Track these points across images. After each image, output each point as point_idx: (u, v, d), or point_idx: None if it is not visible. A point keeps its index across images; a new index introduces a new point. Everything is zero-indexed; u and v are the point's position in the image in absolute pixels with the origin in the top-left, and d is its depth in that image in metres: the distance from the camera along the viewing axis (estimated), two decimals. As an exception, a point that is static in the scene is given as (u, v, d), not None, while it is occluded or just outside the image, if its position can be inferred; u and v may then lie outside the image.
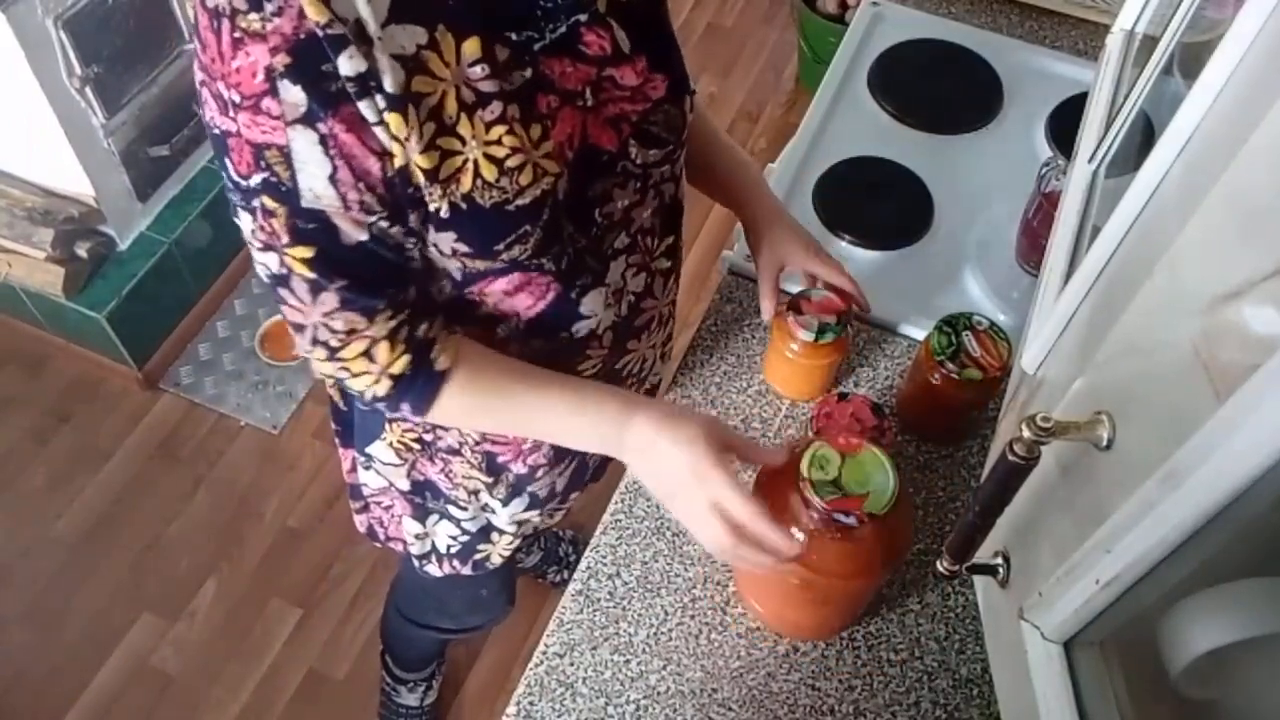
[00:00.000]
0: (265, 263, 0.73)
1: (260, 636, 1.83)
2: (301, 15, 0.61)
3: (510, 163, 0.71)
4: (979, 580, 0.90)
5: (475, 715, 1.78)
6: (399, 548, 1.14)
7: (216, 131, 0.68)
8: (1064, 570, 0.58)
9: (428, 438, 0.98)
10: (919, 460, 1.06)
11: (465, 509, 1.05)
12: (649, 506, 1.02)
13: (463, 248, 0.74)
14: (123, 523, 1.95)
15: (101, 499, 1.97)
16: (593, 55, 0.75)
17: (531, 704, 0.91)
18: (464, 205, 0.71)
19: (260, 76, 0.63)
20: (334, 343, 0.76)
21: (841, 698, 0.91)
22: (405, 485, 1.05)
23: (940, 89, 1.38)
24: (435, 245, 0.74)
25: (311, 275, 0.72)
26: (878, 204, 1.25)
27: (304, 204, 0.68)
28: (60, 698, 1.76)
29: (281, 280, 0.73)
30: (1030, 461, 0.56)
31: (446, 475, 1.02)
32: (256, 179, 0.68)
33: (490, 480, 1.01)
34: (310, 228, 0.69)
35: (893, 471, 0.80)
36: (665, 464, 0.79)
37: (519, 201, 0.73)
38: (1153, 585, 0.53)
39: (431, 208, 0.71)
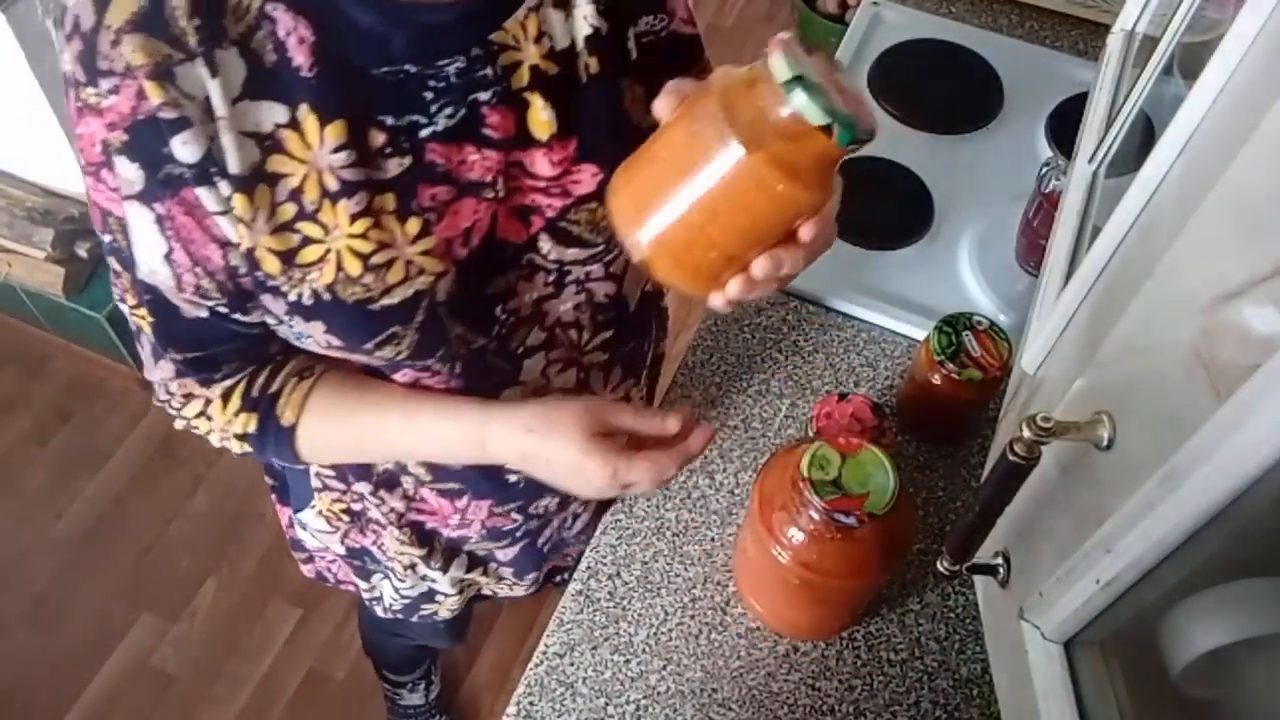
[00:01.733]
0: (123, 310, 0.72)
1: (260, 636, 1.83)
2: (141, 95, 0.58)
3: (376, 259, 0.65)
4: (979, 580, 0.90)
5: (475, 715, 1.78)
6: (350, 589, 1.14)
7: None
8: (1064, 570, 0.58)
9: (356, 508, 0.96)
10: (919, 460, 1.06)
11: (404, 580, 1.04)
12: (649, 506, 1.02)
13: (334, 340, 0.69)
14: (123, 523, 1.95)
15: (101, 499, 1.97)
16: (498, 139, 0.66)
17: (531, 704, 0.91)
18: (327, 296, 0.65)
19: (98, 148, 0.61)
20: (175, 403, 0.77)
21: (841, 698, 0.91)
22: (341, 550, 1.04)
23: (940, 89, 1.38)
24: (310, 335, 0.69)
25: (154, 339, 0.71)
26: (878, 204, 1.25)
27: (140, 276, 0.66)
28: (60, 698, 1.76)
29: (135, 335, 0.73)
30: (1030, 461, 0.56)
31: (379, 548, 1.00)
32: (106, 239, 0.67)
33: (424, 552, 0.99)
34: (149, 298, 0.68)
35: (893, 471, 0.80)
36: (547, 470, 0.74)
37: (385, 301, 0.66)
38: (1153, 585, 0.53)
39: (291, 296, 0.66)
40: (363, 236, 0.64)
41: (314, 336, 0.69)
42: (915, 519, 0.98)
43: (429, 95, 0.64)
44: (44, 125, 1.74)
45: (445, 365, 0.76)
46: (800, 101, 0.49)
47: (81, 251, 1.91)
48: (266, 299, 0.68)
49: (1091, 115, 0.93)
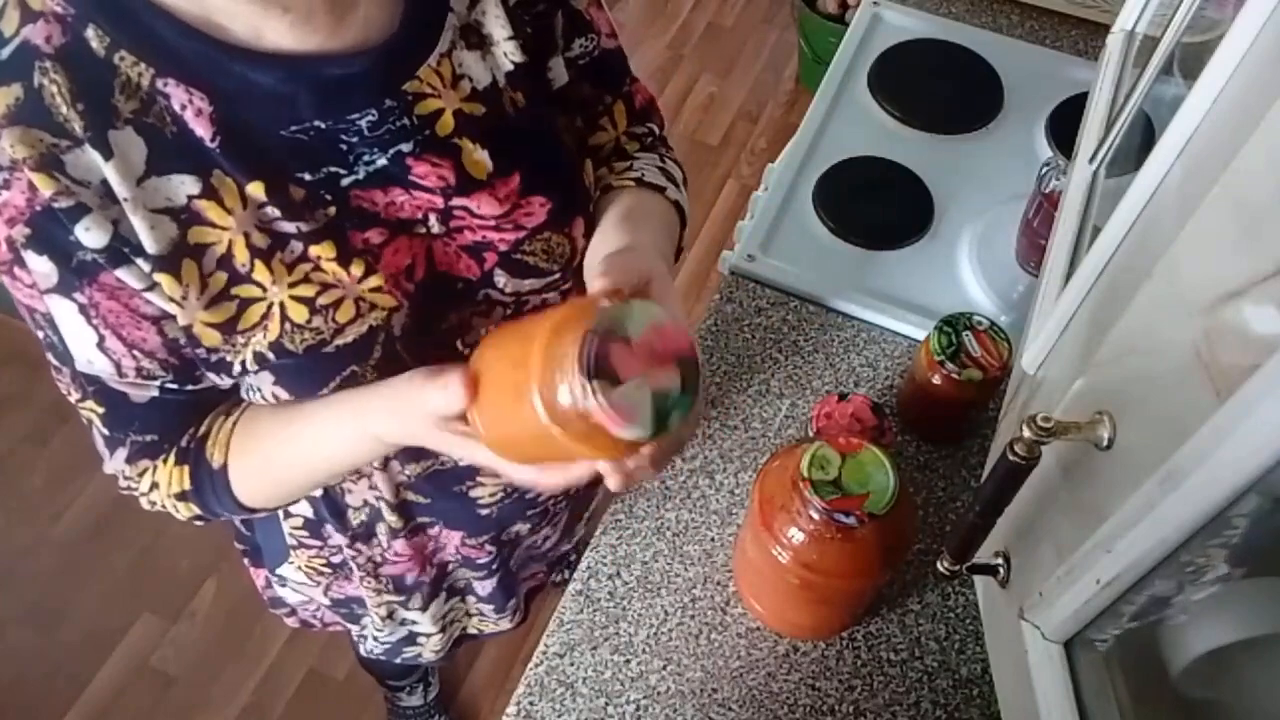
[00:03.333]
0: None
1: (260, 636, 1.83)
2: (32, 187, 0.55)
3: (323, 300, 0.63)
4: (979, 580, 0.90)
5: (475, 715, 1.78)
6: (339, 629, 1.13)
7: None
8: (1064, 570, 0.58)
9: (336, 559, 0.95)
10: (919, 460, 1.06)
11: (383, 629, 1.03)
12: (649, 506, 1.02)
13: (282, 393, 0.68)
14: (123, 523, 1.95)
15: (101, 499, 1.97)
16: (430, 187, 0.65)
17: (531, 704, 0.91)
18: (271, 355, 0.64)
19: (4, 246, 0.58)
20: (135, 484, 0.74)
21: (841, 698, 0.91)
22: (327, 601, 1.03)
23: (940, 89, 1.38)
24: (258, 389, 0.68)
25: (105, 431, 0.70)
26: (878, 204, 1.25)
27: (79, 369, 0.64)
28: (60, 698, 1.76)
29: (87, 428, 0.71)
30: (1030, 461, 0.56)
31: (362, 594, 0.99)
32: (40, 335, 0.65)
33: (402, 598, 0.99)
34: (93, 389, 0.66)
35: (893, 471, 0.80)
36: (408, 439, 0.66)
37: (339, 341, 0.65)
38: (1153, 585, 0.53)
39: (236, 365, 0.64)
40: (305, 281, 0.63)
41: (262, 389, 0.68)
42: (915, 519, 0.98)
43: (344, 148, 0.62)
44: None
45: None
46: (580, 394, 0.49)
47: (81, 251, 1.91)
48: (211, 376, 0.67)
49: (1091, 115, 0.93)
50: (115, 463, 0.73)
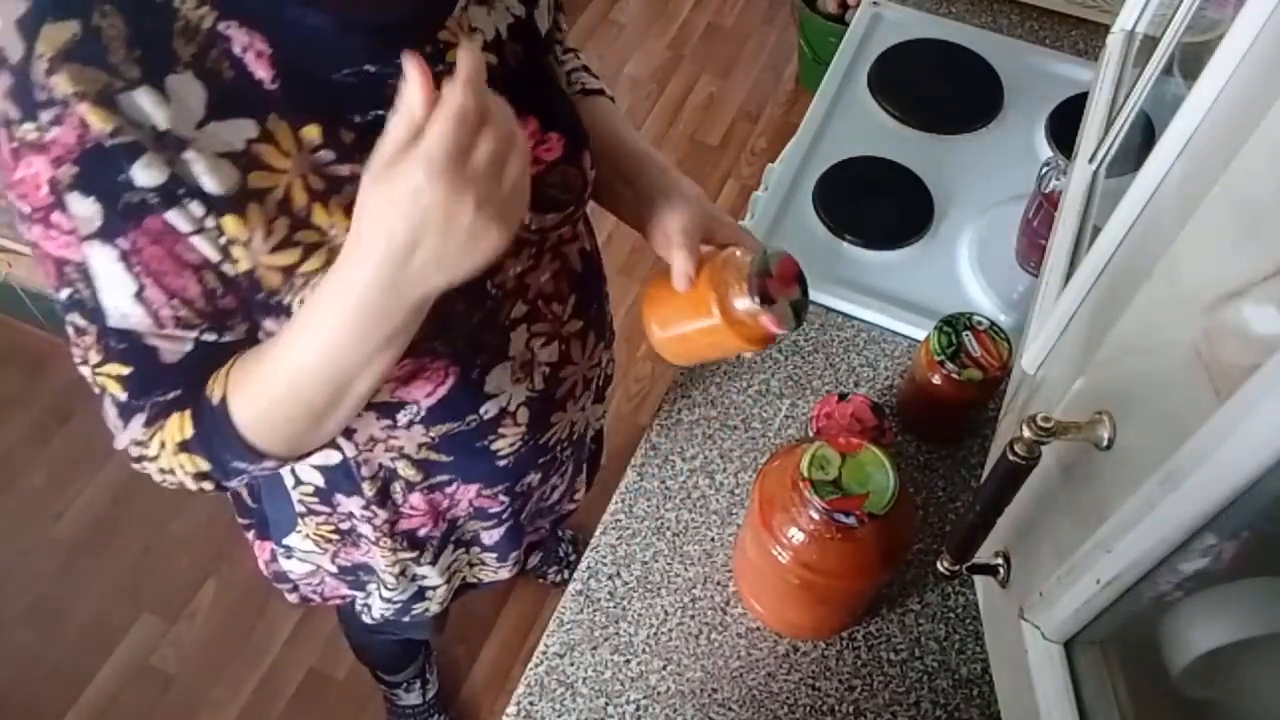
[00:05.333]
0: (84, 375, 0.68)
1: (260, 636, 1.83)
2: (85, 123, 0.55)
3: None
4: (979, 580, 0.90)
5: (475, 715, 1.78)
6: (339, 602, 1.13)
7: (27, 240, 0.62)
8: (1064, 570, 0.58)
9: (345, 526, 0.95)
10: (919, 460, 1.06)
11: (395, 587, 1.03)
12: (649, 506, 1.02)
13: None
14: (123, 523, 1.95)
15: (101, 499, 1.97)
16: None
17: (531, 704, 0.91)
18: None
19: (45, 189, 0.57)
20: (149, 451, 0.70)
21: (841, 698, 0.91)
22: (333, 569, 1.03)
23: (940, 89, 1.38)
24: None
25: (123, 396, 0.67)
26: (878, 204, 1.25)
27: (110, 324, 0.62)
28: (60, 698, 1.76)
29: (99, 399, 0.69)
30: (1030, 461, 0.56)
31: (372, 557, 1.00)
32: (64, 294, 0.63)
33: (415, 554, 0.99)
34: (123, 347, 0.64)
35: (893, 471, 0.80)
36: (394, 238, 0.56)
37: None
38: (1153, 585, 0.53)
39: (294, 304, 0.65)
40: None
41: None
42: (915, 519, 0.98)
43: (390, 92, 0.60)
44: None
45: (447, 346, 0.76)
46: (755, 310, 0.73)
47: (81, 251, 1.91)
48: (269, 323, 0.67)
49: (1091, 115, 0.93)
50: (130, 432, 0.70)
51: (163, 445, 0.70)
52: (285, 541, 0.99)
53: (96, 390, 0.69)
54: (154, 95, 0.56)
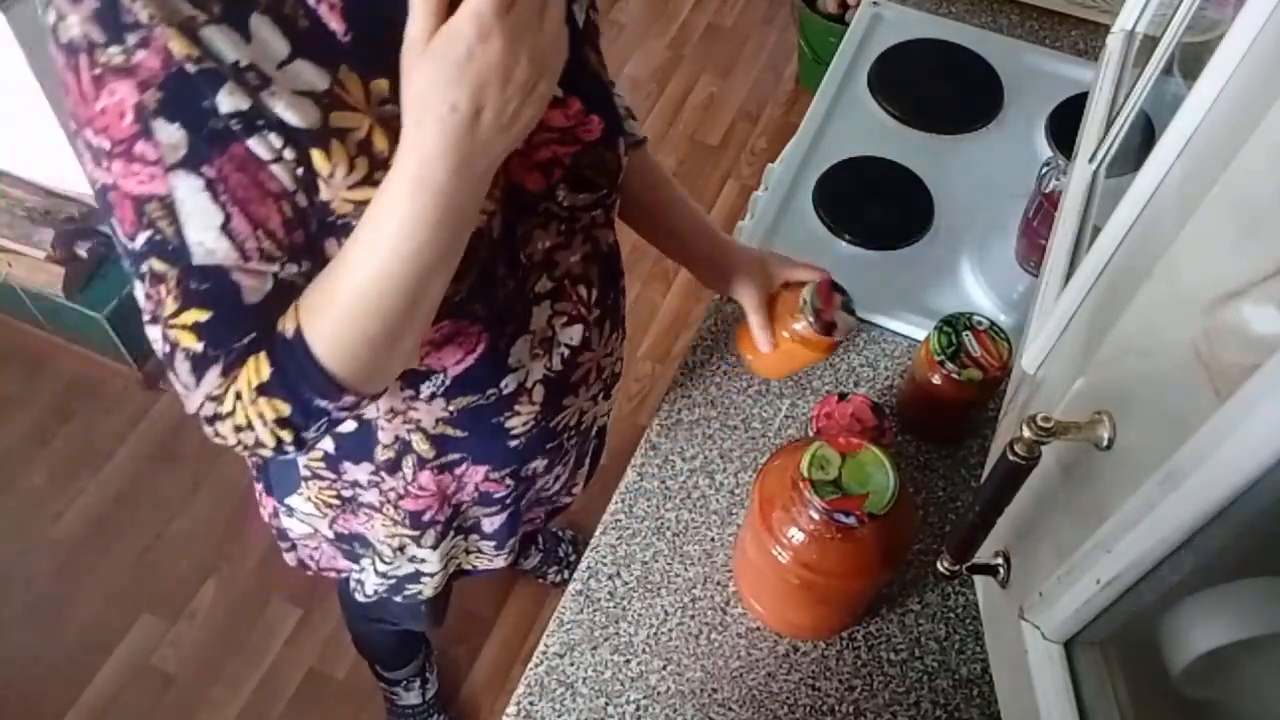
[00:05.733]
0: (152, 339, 0.66)
1: (260, 636, 1.83)
2: (169, 50, 0.55)
3: None
4: (979, 580, 0.90)
5: (475, 715, 1.78)
6: (333, 575, 1.14)
7: (98, 188, 0.62)
8: (1064, 570, 0.58)
9: (347, 494, 0.96)
10: (919, 460, 1.06)
11: (392, 562, 1.04)
12: (649, 506, 1.02)
13: None
14: (123, 523, 1.95)
15: (101, 499, 1.97)
16: None
17: (531, 704, 0.91)
18: None
19: (130, 117, 0.57)
20: (223, 409, 0.67)
21: (841, 698, 0.91)
22: (330, 534, 1.04)
23: (940, 89, 1.38)
24: None
25: (198, 347, 0.65)
26: (878, 204, 1.25)
27: (196, 261, 0.61)
28: (60, 698, 1.75)
29: (167, 359, 0.66)
30: (1030, 461, 0.56)
31: (370, 528, 1.00)
32: (141, 239, 0.61)
33: (416, 534, 0.99)
34: (204, 288, 0.63)
35: (893, 471, 0.80)
36: (460, 113, 0.57)
37: None
38: (1153, 585, 0.53)
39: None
40: None
41: None
42: (915, 519, 0.98)
43: None
44: (44, 125, 1.74)
45: (485, 309, 0.77)
46: (819, 333, 0.96)
47: (81, 251, 1.91)
48: (330, 245, 0.66)
49: (1091, 115, 0.93)
50: (205, 388, 0.66)
51: (238, 397, 0.67)
52: (287, 501, 1.00)
53: (165, 349, 0.66)
54: (235, 34, 0.57)
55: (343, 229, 0.65)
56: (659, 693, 0.91)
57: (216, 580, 1.89)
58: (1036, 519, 0.66)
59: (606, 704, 0.91)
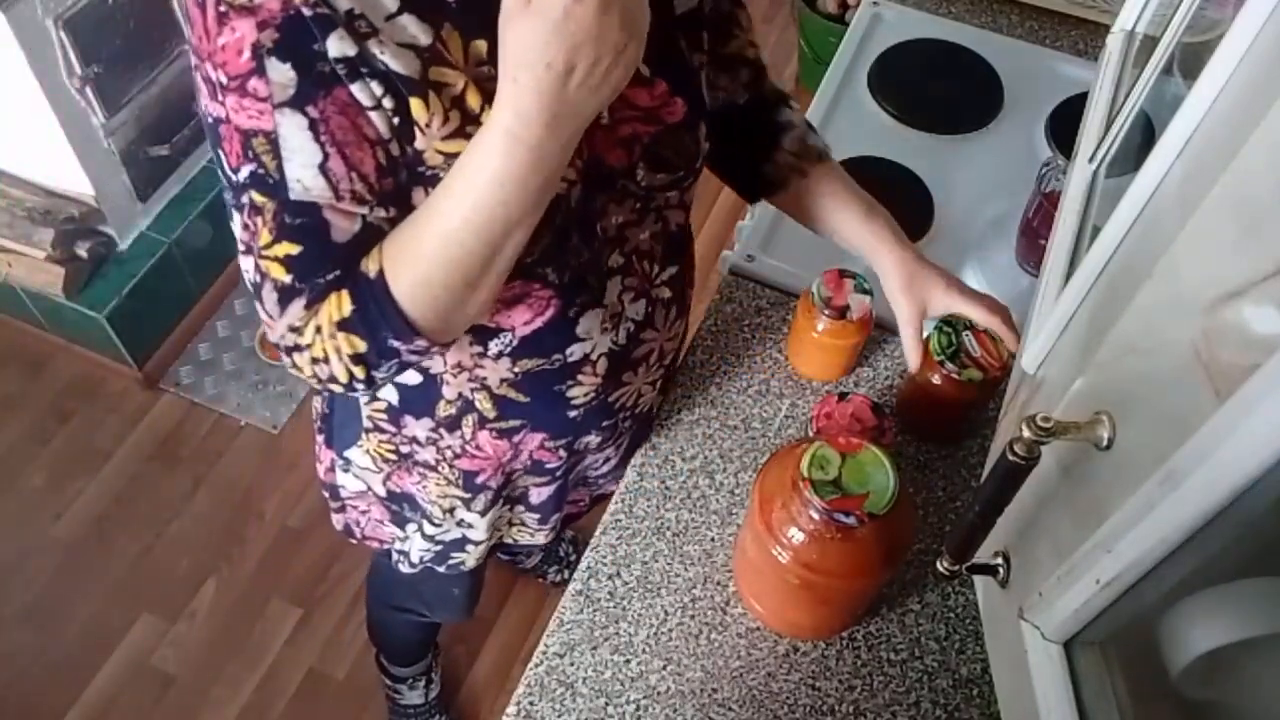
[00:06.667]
0: (245, 269, 0.71)
1: (260, 636, 1.83)
2: None
3: None
4: (979, 580, 0.90)
5: (475, 715, 1.78)
6: (375, 545, 1.15)
7: (210, 120, 0.66)
8: (1064, 570, 0.58)
9: (405, 449, 0.97)
10: (919, 460, 1.06)
11: (440, 524, 1.04)
12: (649, 506, 1.02)
13: None
14: (123, 523, 1.95)
15: (101, 499, 1.97)
16: None
17: (531, 704, 0.91)
18: None
19: (247, 54, 0.60)
20: (304, 340, 0.71)
21: (841, 698, 0.91)
22: (382, 492, 1.05)
23: (940, 89, 1.38)
24: None
25: (287, 279, 0.68)
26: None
27: (293, 196, 0.65)
28: (60, 698, 1.75)
29: (255, 289, 0.70)
30: (1030, 461, 0.56)
31: (423, 488, 1.01)
32: (245, 171, 0.65)
33: (468, 496, 1.00)
34: (298, 223, 0.66)
35: (893, 471, 0.80)
36: (554, 70, 0.60)
37: None
38: (1153, 585, 0.53)
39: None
40: None
41: None
42: (915, 519, 0.98)
43: None
44: (44, 125, 1.74)
45: (556, 275, 0.79)
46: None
47: (81, 251, 1.91)
48: (419, 192, 0.69)
49: (1091, 115, 0.93)
50: (288, 318, 0.70)
51: (318, 330, 0.70)
52: (346, 454, 1.01)
53: (255, 278, 0.69)
54: None
55: (431, 179, 0.68)
56: (659, 693, 0.91)
57: (216, 580, 1.89)
58: (1036, 519, 0.66)
59: (606, 704, 0.90)
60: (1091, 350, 0.62)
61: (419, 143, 0.66)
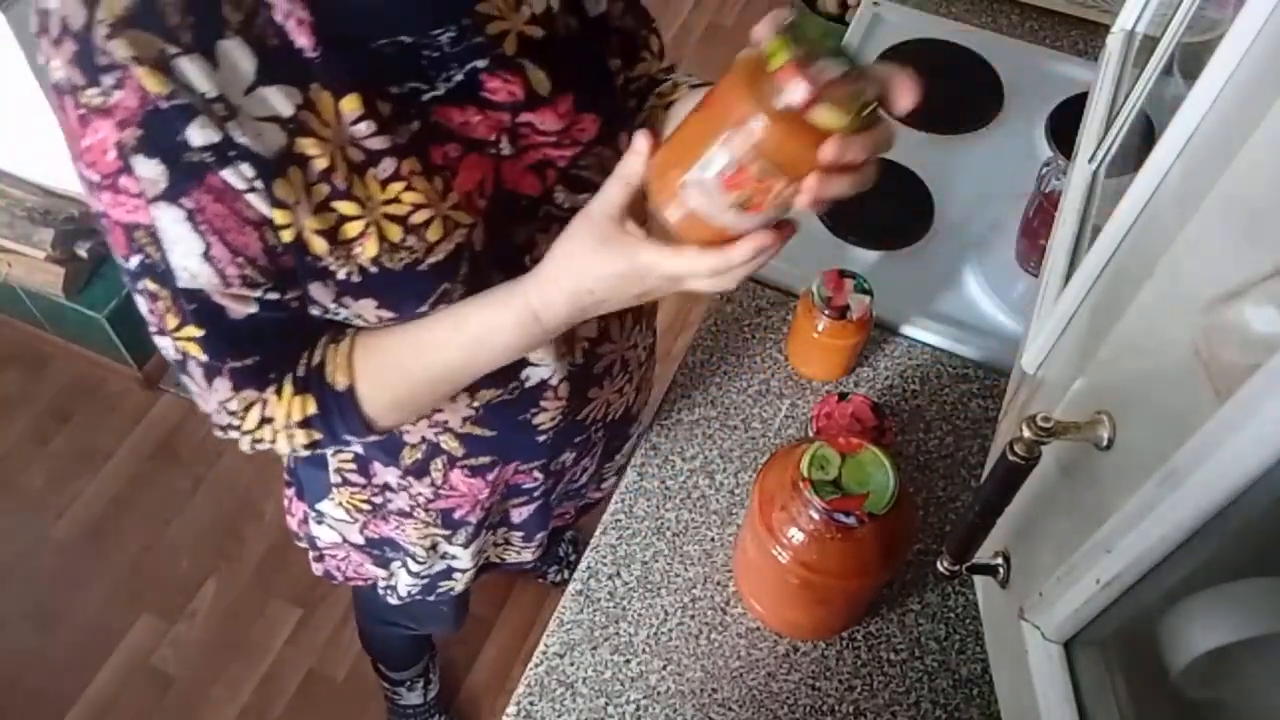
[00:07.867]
0: (162, 348, 0.70)
1: (260, 636, 1.83)
2: (143, 87, 0.57)
3: (415, 219, 0.67)
4: (979, 580, 0.90)
5: (475, 715, 1.78)
6: (360, 584, 1.14)
7: (95, 213, 0.65)
8: (1064, 570, 0.58)
9: (377, 500, 0.96)
10: (919, 460, 1.06)
11: (425, 561, 1.04)
12: (649, 506, 1.02)
13: (386, 314, 0.71)
14: (123, 523, 1.95)
15: (101, 499, 1.97)
16: (501, 102, 0.69)
17: (531, 704, 0.91)
18: (374, 269, 0.67)
19: (112, 154, 0.59)
20: (237, 420, 0.73)
21: (841, 698, 0.91)
22: (360, 540, 1.04)
23: (940, 89, 1.36)
24: (360, 315, 0.71)
25: (204, 358, 0.68)
26: (878, 204, 1.25)
27: (180, 284, 0.64)
28: (60, 698, 1.76)
29: (180, 366, 0.70)
30: (1030, 461, 0.56)
31: (402, 532, 1.00)
32: (134, 261, 0.64)
33: (448, 533, 0.99)
34: (193, 308, 0.66)
35: (893, 471, 0.80)
36: (602, 302, 0.68)
37: (431, 259, 0.69)
38: (1153, 585, 0.53)
39: (340, 275, 0.67)
40: (396, 200, 0.66)
41: (364, 315, 0.71)
42: (915, 519, 0.98)
43: (425, 63, 0.66)
44: (44, 125, 1.74)
45: None
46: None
47: (81, 251, 1.91)
48: (315, 288, 0.68)
49: (1091, 115, 0.93)
50: (217, 395, 0.71)
51: (266, 421, 0.73)
52: (318, 506, 1.01)
53: (177, 358, 0.70)
54: (204, 63, 0.58)
55: (323, 274, 0.67)
56: (659, 693, 0.91)
57: (216, 580, 1.89)
58: (1036, 519, 0.66)
59: (606, 704, 0.91)
60: (1091, 350, 0.62)
61: (293, 228, 0.64)
